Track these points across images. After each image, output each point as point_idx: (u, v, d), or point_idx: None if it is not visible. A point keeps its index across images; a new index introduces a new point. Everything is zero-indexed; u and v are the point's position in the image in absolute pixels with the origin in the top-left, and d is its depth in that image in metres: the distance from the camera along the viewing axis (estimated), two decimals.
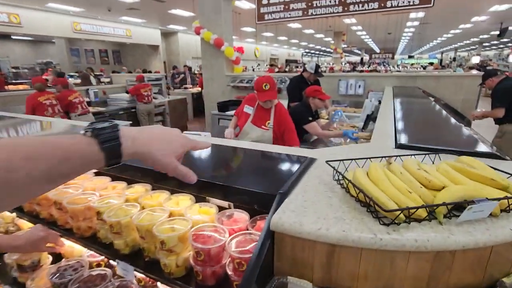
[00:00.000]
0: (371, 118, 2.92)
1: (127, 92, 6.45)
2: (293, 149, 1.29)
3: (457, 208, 0.67)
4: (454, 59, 34.54)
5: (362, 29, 16.61)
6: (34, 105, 4.31)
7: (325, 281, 0.69)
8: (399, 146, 1.23)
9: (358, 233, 0.63)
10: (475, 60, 22.82)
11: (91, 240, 1.12)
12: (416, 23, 13.82)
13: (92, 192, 1.17)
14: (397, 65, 24.93)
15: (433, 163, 0.94)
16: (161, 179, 1.07)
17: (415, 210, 0.63)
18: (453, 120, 1.91)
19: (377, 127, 1.71)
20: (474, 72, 4.41)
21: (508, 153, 4.02)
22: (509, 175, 0.78)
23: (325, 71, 8.52)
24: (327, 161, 0.90)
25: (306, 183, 0.89)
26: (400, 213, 0.62)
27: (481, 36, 21.09)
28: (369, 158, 0.92)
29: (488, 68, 3.77)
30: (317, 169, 1.01)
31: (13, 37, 14.04)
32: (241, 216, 0.95)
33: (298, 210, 0.73)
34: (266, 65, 15.49)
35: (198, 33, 5.94)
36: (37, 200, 1.25)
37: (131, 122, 4.66)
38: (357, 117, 4.17)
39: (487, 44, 26.86)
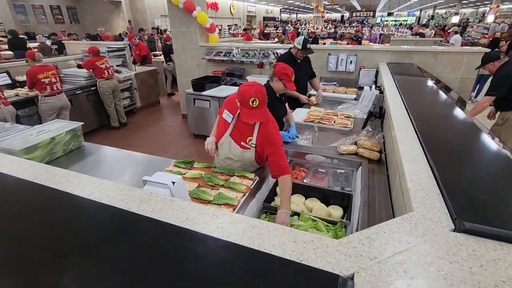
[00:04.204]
0: (373, 114, 2.51)
1: (79, 67, 5.46)
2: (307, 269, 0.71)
3: None
4: (433, 17, 34.14)
5: None
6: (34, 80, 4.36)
7: None
8: (464, 230, 0.84)
9: None
10: (455, 19, 22.60)
11: None
12: None
13: None
14: (377, 24, 24.23)
15: None
16: None
17: None
18: None
19: (405, 169, 1.25)
20: (476, 48, 4.05)
21: (507, 141, 3.76)
22: None
23: (310, 39, 7.80)
24: None
25: None
26: None
27: None
28: None
29: (493, 51, 3.41)
30: None
31: None
32: None
33: None
34: (243, 25, 14.22)
35: None
36: None
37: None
38: (350, 100, 3.77)
39: (465, 1, 26.38)
